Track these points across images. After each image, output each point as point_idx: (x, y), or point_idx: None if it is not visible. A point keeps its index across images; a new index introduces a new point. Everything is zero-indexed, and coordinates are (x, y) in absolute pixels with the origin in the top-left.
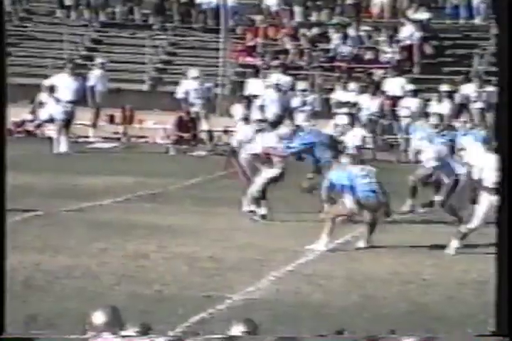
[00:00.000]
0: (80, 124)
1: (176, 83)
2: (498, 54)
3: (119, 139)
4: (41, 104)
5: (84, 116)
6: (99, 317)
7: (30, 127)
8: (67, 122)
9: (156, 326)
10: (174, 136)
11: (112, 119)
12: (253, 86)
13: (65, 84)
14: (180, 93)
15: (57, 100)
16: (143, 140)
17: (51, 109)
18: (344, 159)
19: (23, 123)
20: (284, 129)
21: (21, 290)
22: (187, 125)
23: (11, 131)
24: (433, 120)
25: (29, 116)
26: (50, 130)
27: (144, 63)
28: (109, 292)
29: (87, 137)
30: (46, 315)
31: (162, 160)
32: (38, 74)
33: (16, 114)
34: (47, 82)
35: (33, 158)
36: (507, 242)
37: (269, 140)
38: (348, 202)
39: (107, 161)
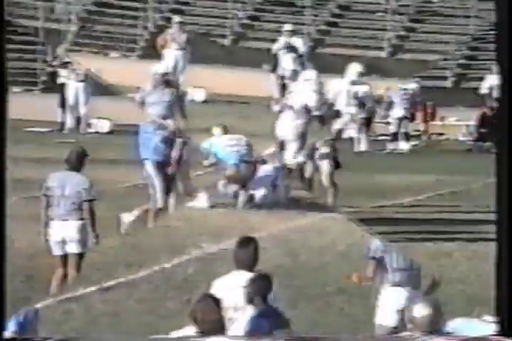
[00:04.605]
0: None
1: (480, 79)
2: (498, 52)
3: (418, 136)
4: None
5: None
6: None
7: None
8: None
9: None
10: (476, 134)
11: (412, 117)
12: None
13: None
14: (484, 88)
15: None
16: (444, 137)
17: None
18: None
19: None
20: None
21: None
22: (490, 121)
23: None
24: None
25: None
26: None
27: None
28: None
29: (386, 135)
30: None
31: (464, 158)
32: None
33: None
34: None
35: None
36: (507, 242)
37: None
38: None
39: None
